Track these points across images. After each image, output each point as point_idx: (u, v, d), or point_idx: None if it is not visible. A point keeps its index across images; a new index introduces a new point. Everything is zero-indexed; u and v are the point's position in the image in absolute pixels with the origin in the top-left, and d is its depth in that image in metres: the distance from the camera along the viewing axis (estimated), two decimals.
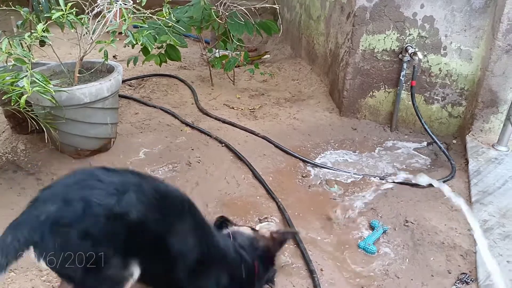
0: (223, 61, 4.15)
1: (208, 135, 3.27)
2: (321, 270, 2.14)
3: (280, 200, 2.64)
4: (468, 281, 2.06)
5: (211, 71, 4.36)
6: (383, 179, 2.84)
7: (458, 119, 3.26)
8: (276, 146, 3.19)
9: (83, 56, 2.80)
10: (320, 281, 2.06)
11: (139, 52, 3.79)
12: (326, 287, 2.05)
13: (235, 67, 4.23)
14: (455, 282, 2.06)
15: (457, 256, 2.19)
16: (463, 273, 2.10)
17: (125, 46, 2.96)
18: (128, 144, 3.12)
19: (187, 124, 3.44)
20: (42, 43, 2.75)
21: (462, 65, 3.09)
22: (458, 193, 2.65)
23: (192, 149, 3.08)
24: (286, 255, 2.22)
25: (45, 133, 2.62)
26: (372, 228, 2.42)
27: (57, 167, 2.83)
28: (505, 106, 2.95)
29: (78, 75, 2.82)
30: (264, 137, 3.27)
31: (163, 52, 3.80)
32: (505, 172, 2.71)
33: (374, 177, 2.88)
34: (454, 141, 3.26)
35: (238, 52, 4.19)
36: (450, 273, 2.12)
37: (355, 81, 3.45)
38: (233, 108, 3.85)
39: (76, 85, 2.73)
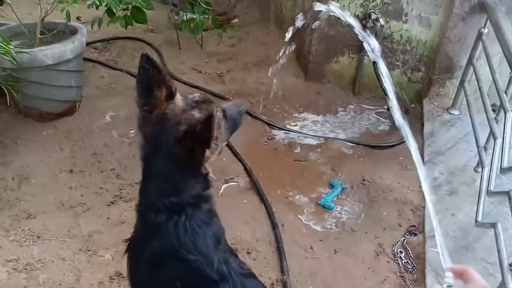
0: (191, 25, 4.11)
1: None
2: (282, 225, 2.27)
3: (246, 162, 2.73)
4: (416, 232, 2.25)
5: (179, 35, 4.32)
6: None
7: (417, 84, 3.41)
8: None
9: (44, 17, 2.73)
10: (281, 236, 2.20)
11: (103, 13, 3.70)
12: (286, 241, 2.19)
13: (203, 31, 4.19)
14: (405, 234, 2.25)
15: (407, 211, 2.37)
16: (412, 226, 2.29)
17: (88, 7, 2.89)
18: (94, 108, 3.11)
19: None
20: (1, 2, 2.66)
21: (422, 32, 3.20)
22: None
23: None
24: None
25: (7, 96, 2.58)
26: (331, 186, 2.57)
27: (20, 130, 2.81)
28: (459, 72, 3.09)
29: (40, 36, 2.76)
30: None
31: (128, 14, 3.72)
32: (456, 134, 2.89)
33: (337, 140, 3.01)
34: (413, 106, 3.41)
35: (206, 16, 4.15)
36: (400, 226, 2.30)
37: (320, 47, 3.52)
38: (201, 72, 3.86)
39: (38, 46, 2.68)
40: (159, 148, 1.10)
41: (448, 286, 0.74)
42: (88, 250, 2.11)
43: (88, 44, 3.98)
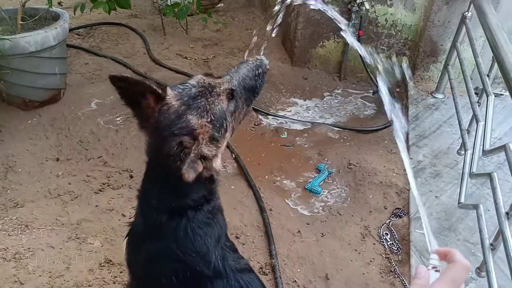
0: (175, 9, 4.05)
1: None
2: (270, 210, 2.31)
3: (233, 147, 2.75)
4: (401, 215, 2.30)
5: (163, 20, 4.26)
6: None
7: (402, 68, 3.43)
8: None
9: (25, 2, 2.67)
10: (269, 220, 2.23)
11: None
12: (274, 225, 2.22)
13: (188, 15, 4.14)
14: (390, 216, 2.30)
15: (393, 194, 2.42)
16: (397, 208, 2.34)
17: None
18: (79, 95, 3.07)
19: (140, 75, 3.41)
20: None
21: (407, 16, 3.22)
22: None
23: None
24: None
25: None
26: (318, 171, 2.60)
27: (4, 119, 2.77)
28: (443, 56, 3.13)
29: (21, 22, 2.70)
30: None
31: None
32: (440, 117, 2.93)
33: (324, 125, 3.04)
34: (398, 90, 3.45)
35: (191, 0, 4.10)
36: (386, 208, 2.35)
37: (306, 31, 3.52)
38: (186, 58, 3.83)
39: (19, 33, 2.63)
40: (158, 158, 1.03)
41: (433, 267, 0.77)
42: (77, 238, 2.12)
43: (71, 30, 3.92)
